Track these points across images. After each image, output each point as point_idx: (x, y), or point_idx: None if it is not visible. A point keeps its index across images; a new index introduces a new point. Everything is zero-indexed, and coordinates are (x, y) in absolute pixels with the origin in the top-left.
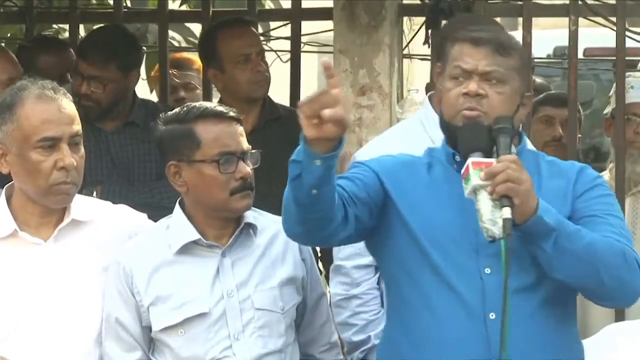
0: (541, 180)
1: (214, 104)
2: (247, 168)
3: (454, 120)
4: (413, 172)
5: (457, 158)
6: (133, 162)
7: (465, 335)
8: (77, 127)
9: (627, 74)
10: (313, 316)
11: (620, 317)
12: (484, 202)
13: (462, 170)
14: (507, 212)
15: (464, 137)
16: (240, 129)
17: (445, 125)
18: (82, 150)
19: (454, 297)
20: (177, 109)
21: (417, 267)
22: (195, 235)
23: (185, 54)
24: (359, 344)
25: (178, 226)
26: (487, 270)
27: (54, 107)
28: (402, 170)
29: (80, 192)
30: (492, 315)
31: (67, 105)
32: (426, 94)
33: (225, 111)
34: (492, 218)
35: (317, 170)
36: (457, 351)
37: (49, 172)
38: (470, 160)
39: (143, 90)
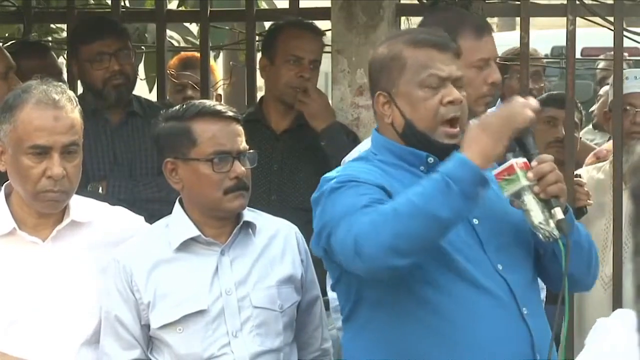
0: None
1: (213, 102)
2: (241, 168)
3: (432, 132)
4: (399, 179)
5: (431, 160)
6: (135, 158)
7: (508, 334)
8: (74, 136)
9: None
10: (306, 319)
11: None
12: (533, 203)
13: (497, 172)
14: (559, 212)
15: None
16: (239, 128)
17: (416, 134)
18: (78, 159)
19: (488, 297)
20: (177, 106)
21: (439, 270)
22: (195, 231)
23: (192, 53)
24: None
25: (177, 223)
26: (500, 267)
27: (50, 115)
28: (390, 179)
29: (85, 188)
30: (525, 310)
31: (68, 113)
32: None
33: (223, 110)
34: (545, 218)
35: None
36: (503, 350)
37: (37, 179)
38: (514, 161)
39: (142, 90)
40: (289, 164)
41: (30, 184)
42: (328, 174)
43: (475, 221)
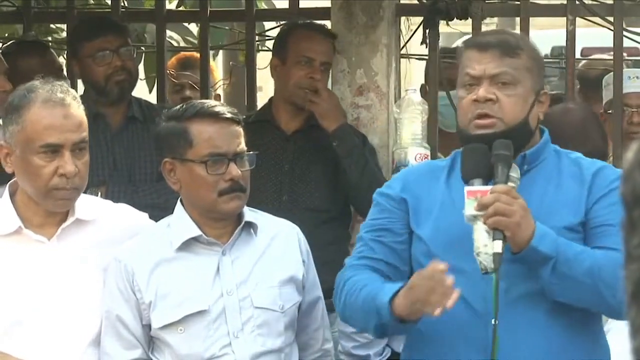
0: (561, 179)
1: (213, 103)
2: (237, 170)
3: (468, 128)
4: (432, 179)
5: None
6: (135, 163)
7: (468, 340)
8: (83, 134)
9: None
10: (306, 320)
11: None
12: (480, 232)
13: (469, 189)
14: (498, 246)
15: (464, 162)
16: (237, 130)
17: (460, 134)
18: (87, 156)
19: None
20: (178, 106)
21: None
22: (196, 231)
23: (190, 53)
24: (357, 358)
25: (179, 223)
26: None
27: (59, 113)
28: (422, 180)
29: (84, 193)
30: (496, 321)
31: (75, 111)
32: (421, 94)
33: (221, 111)
34: (487, 250)
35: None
36: (457, 355)
37: (49, 178)
38: (466, 189)
39: (142, 90)
40: (300, 164)
41: (42, 183)
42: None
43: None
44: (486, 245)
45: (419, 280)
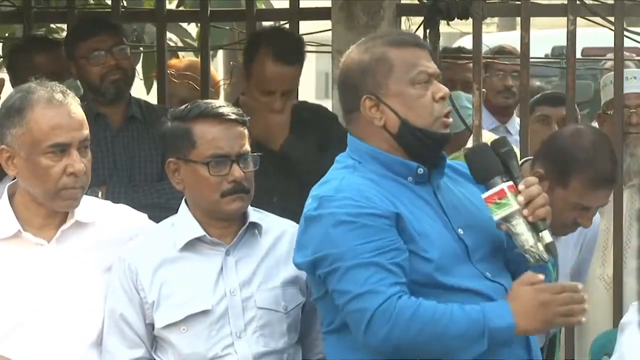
0: (463, 186)
1: (218, 103)
2: (239, 171)
3: (433, 127)
4: (394, 195)
5: (420, 171)
6: (135, 163)
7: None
8: (86, 131)
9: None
10: (310, 321)
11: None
12: (522, 227)
13: (487, 195)
14: (547, 235)
15: (479, 163)
16: (241, 131)
17: (414, 131)
18: (90, 153)
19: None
20: (183, 106)
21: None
22: (200, 231)
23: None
24: None
25: (183, 223)
26: (489, 275)
27: (64, 112)
28: (391, 197)
29: (85, 193)
30: None
31: (76, 109)
32: None
33: (226, 112)
34: (535, 242)
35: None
36: (502, 353)
37: (58, 177)
38: (504, 185)
39: (141, 90)
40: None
41: (52, 184)
42: (323, 188)
43: (461, 231)
44: (533, 237)
45: (551, 297)
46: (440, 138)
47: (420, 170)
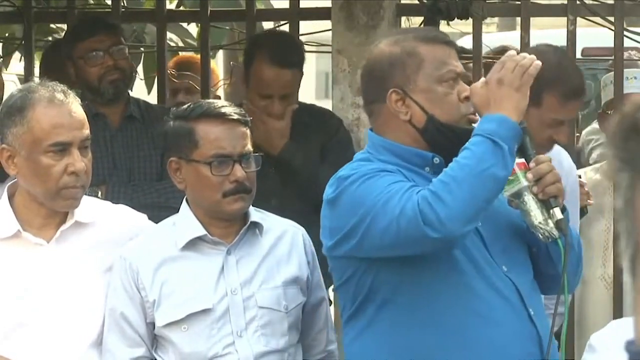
0: None
1: (220, 103)
2: (241, 172)
3: (460, 123)
4: (412, 181)
5: (437, 160)
6: (134, 163)
7: (520, 335)
8: (87, 131)
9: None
10: (311, 321)
11: (618, 314)
12: (532, 204)
13: None
14: (558, 212)
15: None
16: (243, 131)
17: (440, 126)
18: (90, 153)
19: (499, 298)
20: (185, 106)
21: (453, 271)
22: (201, 231)
23: (187, 56)
24: None
25: (184, 222)
26: (505, 268)
27: (65, 112)
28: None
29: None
30: (531, 311)
31: (77, 109)
32: None
33: (228, 112)
34: (544, 219)
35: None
36: (515, 351)
37: (59, 176)
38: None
39: (141, 91)
40: (284, 167)
41: (53, 183)
42: (342, 173)
43: (479, 222)
44: (542, 214)
45: (500, 72)
46: (466, 134)
47: (437, 160)
